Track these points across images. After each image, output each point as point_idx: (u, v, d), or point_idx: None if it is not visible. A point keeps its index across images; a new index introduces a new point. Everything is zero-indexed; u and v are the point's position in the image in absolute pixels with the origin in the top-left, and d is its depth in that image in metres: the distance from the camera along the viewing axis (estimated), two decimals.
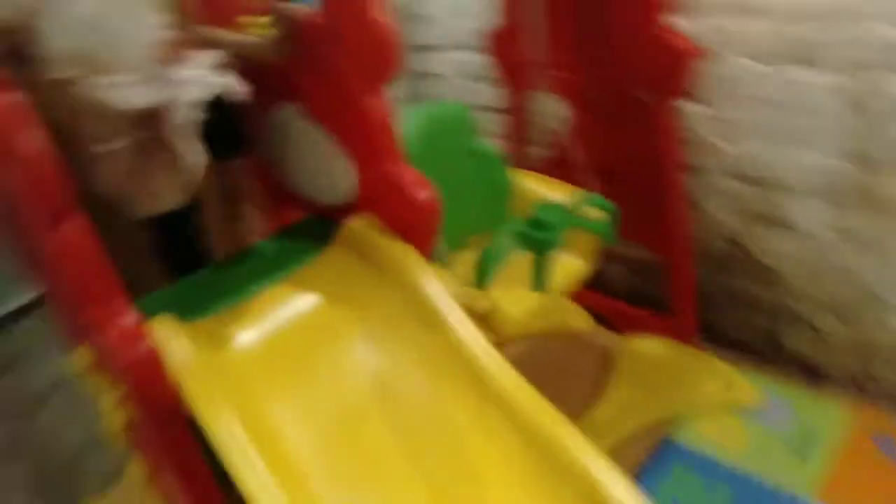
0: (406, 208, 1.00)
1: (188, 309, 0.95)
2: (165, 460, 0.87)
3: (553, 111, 1.77)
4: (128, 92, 0.88)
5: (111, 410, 0.83)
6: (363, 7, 0.87)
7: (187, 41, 0.96)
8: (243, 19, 1.08)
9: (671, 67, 1.43)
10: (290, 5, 1.01)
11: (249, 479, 0.74)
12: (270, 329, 0.95)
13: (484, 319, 1.39)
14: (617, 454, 1.41)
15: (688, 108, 1.61)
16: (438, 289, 1.00)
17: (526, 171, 1.73)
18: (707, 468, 1.49)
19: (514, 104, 1.80)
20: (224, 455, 0.76)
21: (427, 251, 1.04)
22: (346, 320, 0.99)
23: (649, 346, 1.80)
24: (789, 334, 1.70)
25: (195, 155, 0.94)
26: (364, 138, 1.00)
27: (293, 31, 0.99)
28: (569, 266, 1.54)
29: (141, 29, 0.90)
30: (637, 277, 1.97)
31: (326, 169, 1.12)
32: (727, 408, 1.62)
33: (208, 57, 0.96)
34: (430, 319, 0.98)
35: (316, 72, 1.01)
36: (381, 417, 0.92)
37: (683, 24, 1.50)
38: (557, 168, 1.71)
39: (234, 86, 0.98)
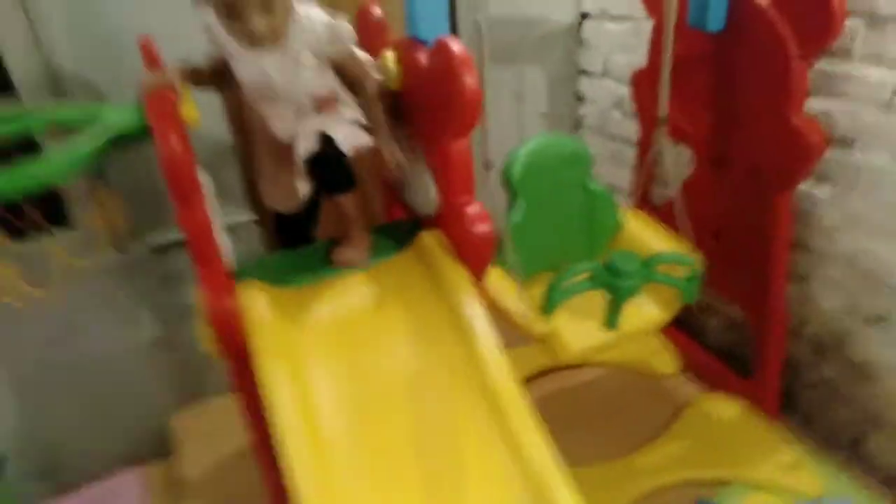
0: (465, 236, 1.17)
1: (279, 277, 1.21)
2: (237, 387, 1.15)
3: (680, 159, 1.80)
4: (286, 125, 1.20)
5: (207, 339, 1.12)
6: (459, 72, 1.04)
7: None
8: (384, 51, 1.29)
9: (797, 157, 1.42)
10: (412, 45, 1.21)
11: (284, 424, 0.98)
12: (334, 310, 1.19)
13: (542, 340, 1.52)
14: (647, 500, 1.51)
15: (812, 188, 1.56)
16: (476, 309, 1.16)
17: (639, 212, 1.79)
18: None
19: (644, 143, 1.85)
20: (269, 401, 1.00)
21: (479, 273, 1.21)
22: (396, 318, 1.20)
23: (722, 406, 1.80)
24: (874, 437, 1.61)
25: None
26: (445, 172, 1.18)
27: (407, 70, 1.19)
28: (644, 312, 1.59)
29: (308, 83, 1.19)
30: (733, 335, 1.95)
31: (422, 187, 1.31)
32: (782, 490, 1.59)
33: (353, 114, 1.24)
34: (463, 333, 1.15)
35: (419, 108, 1.20)
36: (402, 406, 1.12)
37: (821, 107, 1.47)
38: (671, 214, 1.76)
39: (367, 142, 1.24)
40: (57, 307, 1.72)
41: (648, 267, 1.46)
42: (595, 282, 1.46)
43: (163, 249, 1.79)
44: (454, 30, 2.03)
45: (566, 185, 1.67)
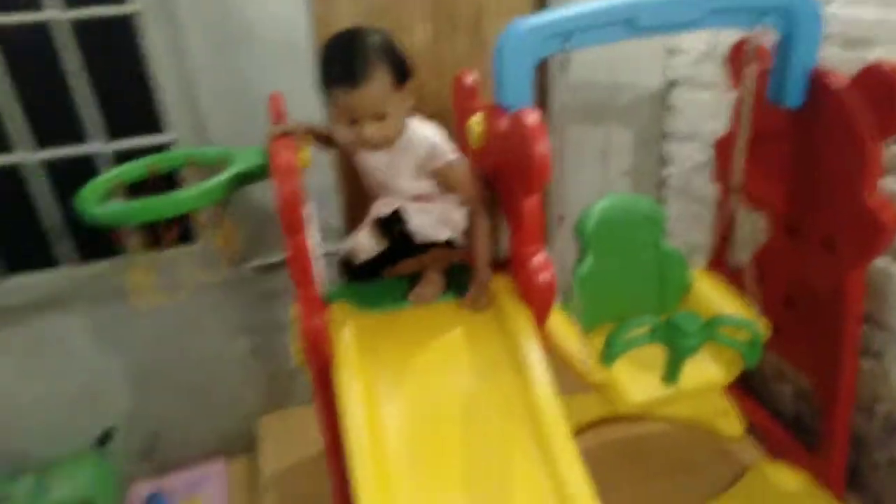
0: (529, 282, 1.29)
1: (364, 303, 1.38)
2: (318, 397, 1.31)
3: (755, 226, 1.84)
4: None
5: (298, 352, 1.29)
6: (531, 140, 1.18)
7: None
8: (474, 117, 1.45)
9: (870, 235, 1.44)
10: (496, 111, 1.36)
11: (353, 434, 1.13)
12: (407, 338, 1.33)
13: (600, 389, 1.60)
14: None
15: (889, 265, 1.57)
16: (535, 351, 1.28)
17: (710, 274, 1.84)
18: None
19: (722, 208, 1.91)
20: (343, 412, 1.16)
21: (541, 317, 1.32)
22: (462, 350, 1.33)
23: (784, 475, 1.79)
24: None
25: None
26: (517, 224, 1.31)
27: (489, 132, 1.35)
28: (705, 371, 1.63)
29: (406, 186, 1.37)
30: (803, 404, 1.93)
31: (500, 236, 1.45)
32: None
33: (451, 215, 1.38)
34: (520, 372, 1.27)
35: (498, 167, 1.35)
36: (458, 431, 1.24)
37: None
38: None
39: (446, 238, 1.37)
40: (172, 310, 1.98)
41: (710, 328, 1.52)
42: (656, 337, 1.53)
43: (265, 270, 2.02)
44: (544, 92, 2.18)
45: (638, 243, 1.76)
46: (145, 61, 1.77)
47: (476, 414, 1.25)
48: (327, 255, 1.65)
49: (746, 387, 2.13)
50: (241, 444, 2.23)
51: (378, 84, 1.22)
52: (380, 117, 1.25)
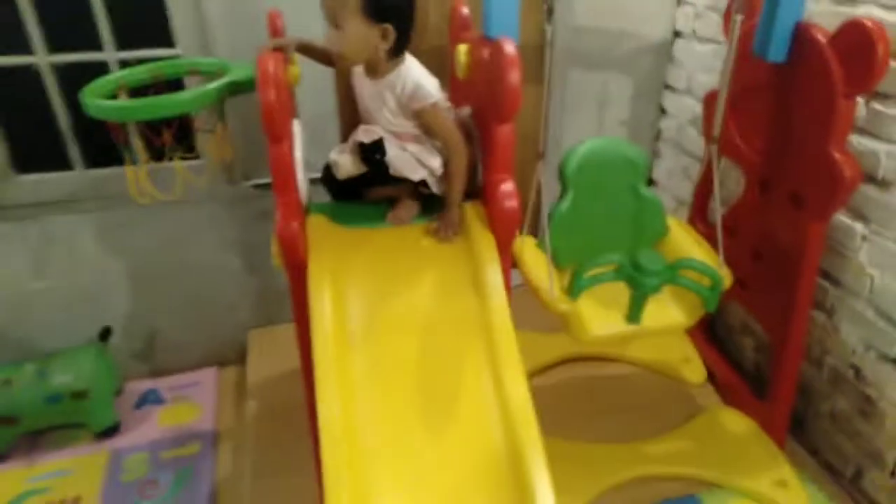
0: (496, 208, 1.37)
1: (342, 219, 1.47)
2: (293, 297, 1.41)
3: (739, 182, 1.89)
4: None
5: (276, 255, 1.39)
6: (506, 69, 1.24)
7: None
8: (460, 46, 1.51)
9: (830, 187, 1.50)
10: (482, 42, 1.41)
11: (317, 322, 1.24)
12: (377, 250, 1.42)
13: (563, 320, 1.69)
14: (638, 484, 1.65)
15: (849, 223, 1.62)
16: (494, 272, 1.36)
17: (685, 224, 1.90)
18: None
19: (706, 160, 1.95)
20: (311, 303, 1.26)
21: (505, 242, 1.40)
22: (427, 266, 1.42)
23: (733, 419, 1.89)
24: (871, 475, 1.65)
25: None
26: (489, 152, 1.38)
27: (473, 62, 1.40)
28: (667, 313, 1.70)
29: (387, 121, 1.43)
30: (762, 357, 2.01)
31: (474, 161, 1.52)
32: (766, 503, 1.68)
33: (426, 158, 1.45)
34: (479, 291, 1.36)
35: (479, 95, 1.41)
36: (415, 335, 1.34)
37: (871, 146, 1.53)
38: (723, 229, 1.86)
39: (418, 177, 1.44)
40: (173, 220, 2.09)
41: (672, 270, 1.59)
42: (620, 274, 1.60)
43: (264, 188, 2.11)
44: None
45: (617, 187, 1.81)
46: None
47: (434, 327, 1.35)
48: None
49: (712, 337, 2.22)
50: (233, 355, 2.37)
51: None
52: (337, 26, 1.32)
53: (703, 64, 2.11)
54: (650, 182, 2.53)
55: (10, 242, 2.03)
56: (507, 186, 1.36)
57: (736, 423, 1.88)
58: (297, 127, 1.48)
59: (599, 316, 1.67)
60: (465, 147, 1.44)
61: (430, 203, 1.52)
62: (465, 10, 1.63)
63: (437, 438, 1.24)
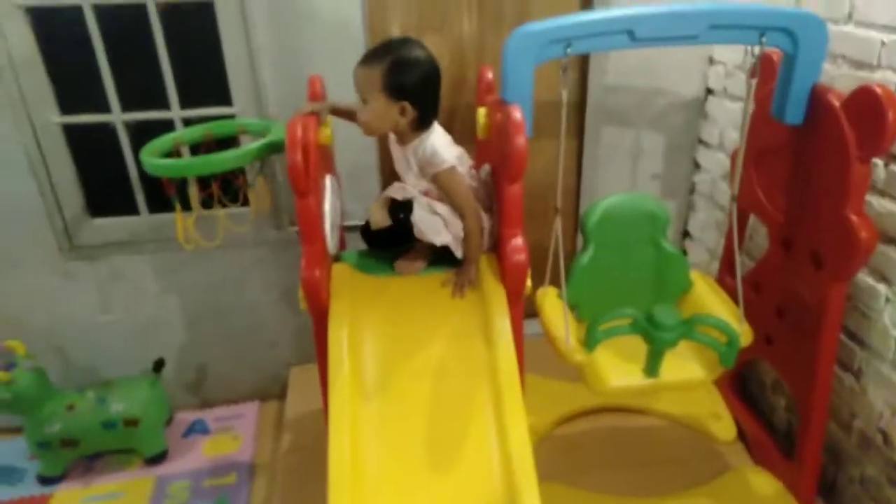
0: (506, 261, 1.44)
1: (367, 267, 1.57)
2: (316, 338, 1.52)
3: (765, 235, 1.90)
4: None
5: (302, 299, 1.50)
6: (512, 133, 1.34)
7: None
8: (480, 108, 1.62)
9: (848, 250, 1.50)
10: (499, 105, 1.51)
11: (334, 363, 1.34)
12: (398, 300, 1.52)
13: (579, 371, 1.72)
14: None
15: (873, 284, 1.61)
16: (503, 323, 1.43)
17: (708, 279, 1.91)
18: None
19: (731, 215, 1.96)
20: (329, 351, 1.37)
21: (515, 293, 1.47)
22: (440, 314, 1.51)
23: (760, 480, 1.85)
24: None
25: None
26: (501, 209, 1.47)
27: (490, 124, 1.51)
28: (686, 368, 1.71)
29: (413, 181, 1.58)
30: (793, 416, 1.97)
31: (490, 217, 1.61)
32: None
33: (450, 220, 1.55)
34: (488, 339, 1.43)
35: (495, 156, 1.51)
36: (426, 380, 1.42)
37: (889, 206, 1.53)
38: (748, 285, 1.87)
39: (441, 242, 1.54)
40: (223, 262, 2.26)
41: (688, 325, 1.61)
42: (635, 328, 1.63)
43: None
44: (584, 90, 2.29)
45: (639, 241, 1.85)
46: (218, 43, 2.03)
47: (445, 372, 1.42)
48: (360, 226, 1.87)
49: (744, 394, 2.18)
50: (275, 390, 2.50)
51: (368, 74, 1.43)
52: (364, 101, 1.46)
53: (734, 121, 2.14)
54: (685, 234, 2.54)
55: (83, 279, 2.25)
56: (517, 241, 1.44)
57: (763, 483, 1.84)
58: (328, 182, 1.61)
59: (617, 368, 1.69)
60: (478, 210, 1.53)
61: (443, 254, 1.61)
62: (490, 75, 1.74)
63: (439, 479, 1.31)
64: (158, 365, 2.26)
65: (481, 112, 1.59)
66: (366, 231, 1.65)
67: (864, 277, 1.64)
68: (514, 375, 1.37)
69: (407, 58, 1.44)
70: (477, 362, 1.42)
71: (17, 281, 2.21)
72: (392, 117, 1.47)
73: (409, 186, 1.59)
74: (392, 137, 1.59)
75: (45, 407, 2.07)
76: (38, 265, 2.20)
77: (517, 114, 1.35)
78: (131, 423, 2.12)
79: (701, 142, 2.36)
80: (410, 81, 1.44)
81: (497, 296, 1.47)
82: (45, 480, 2.15)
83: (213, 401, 2.50)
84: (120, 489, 2.12)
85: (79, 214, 2.19)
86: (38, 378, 2.07)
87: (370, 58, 1.44)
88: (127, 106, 2.08)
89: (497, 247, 1.54)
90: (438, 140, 1.52)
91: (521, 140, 1.33)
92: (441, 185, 1.51)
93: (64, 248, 2.19)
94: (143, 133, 1.98)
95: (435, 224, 1.53)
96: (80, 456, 2.17)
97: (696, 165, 2.42)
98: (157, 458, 2.21)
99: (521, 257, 1.43)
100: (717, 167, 2.28)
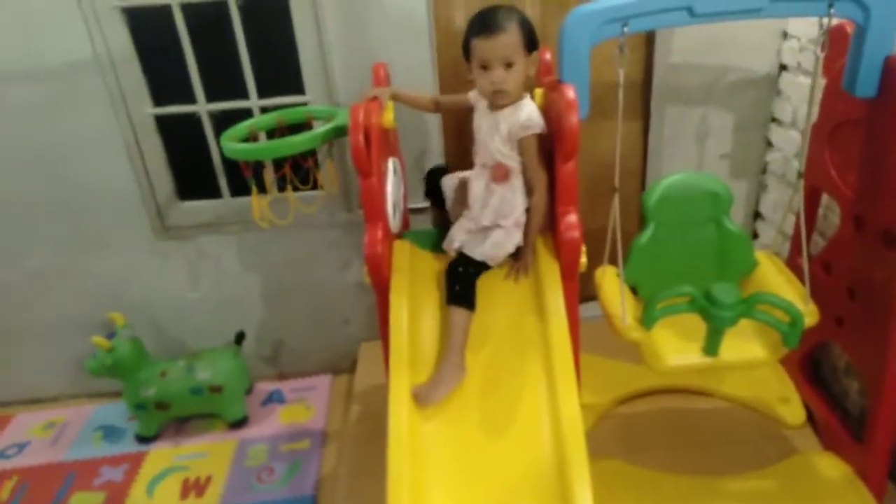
0: (560, 238, 1.48)
1: (428, 245, 1.65)
2: (379, 309, 1.61)
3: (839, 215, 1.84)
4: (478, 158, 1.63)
5: (365, 274, 1.60)
6: (566, 112, 1.37)
7: None
8: (537, 89, 1.65)
9: None
10: (556, 86, 1.55)
11: (395, 334, 1.43)
12: None
13: (638, 349, 1.73)
14: None
15: None
16: (557, 301, 1.48)
17: (774, 259, 1.87)
18: None
19: (806, 194, 1.91)
20: (390, 319, 1.45)
21: (569, 269, 1.51)
22: (498, 291, 1.57)
23: (827, 463, 1.81)
24: None
25: None
26: (556, 187, 1.50)
27: (547, 105, 1.54)
28: (747, 348, 1.69)
29: (497, 148, 1.58)
30: (866, 401, 1.90)
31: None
32: None
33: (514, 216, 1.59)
34: (542, 314, 1.48)
35: (551, 136, 1.54)
36: (483, 352, 1.49)
37: None
38: (818, 265, 1.82)
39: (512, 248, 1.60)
40: (297, 243, 2.40)
41: (748, 303, 1.59)
42: (693, 306, 1.63)
43: None
44: (649, 69, 2.27)
45: (701, 220, 1.83)
46: (292, 36, 2.15)
47: (499, 344, 1.49)
48: (425, 208, 1.95)
49: (816, 378, 2.12)
50: (347, 365, 2.64)
51: (510, 36, 1.45)
52: (508, 65, 1.47)
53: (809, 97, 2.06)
54: (756, 215, 2.48)
55: (174, 258, 2.45)
56: (571, 218, 1.48)
57: (830, 467, 1.80)
58: (391, 164, 1.70)
59: (676, 347, 1.70)
60: (546, 184, 1.56)
61: None
62: (548, 56, 1.77)
63: (492, 444, 1.37)
64: (240, 338, 2.42)
65: (538, 93, 1.63)
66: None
67: None
68: (567, 349, 1.42)
69: (522, 13, 1.51)
70: (530, 336, 1.47)
71: (117, 259, 2.43)
72: (527, 72, 1.52)
73: (479, 167, 1.62)
74: (482, 105, 1.62)
75: (142, 373, 2.28)
76: (134, 245, 2.41)
77: (571, 93, 1.38)
78: (216, 390, 2.30)
79: (774, 120, 2.29)
80: (534, 32, 1.52)
81: (551, 272, 1.51)
82: (142, 439, 2.37)
83: (289, 373, 2.67)
84: (206, 450, 2.30)
85: (169, 198, 2.37)
86: (136, 346, 2.28)
87: (503, 22, 1.45)
88: (210, 97, 2.24)
89: (552, 225, 1.58)
90: (533, 106, 1.55)
91: (573, 118, 1.37)
92: (525, 149, 1.54)
93: (157, 229, 2.39)
94: (224, 122, 2.11)
95: (495, 251, 1.57)
96: (171, 418, 2.37)
97: (769, 144, 2.35)
98: (239, 424, 2.39)
99: (575, 234, 1.47)
100: (790, 145, 2.21)
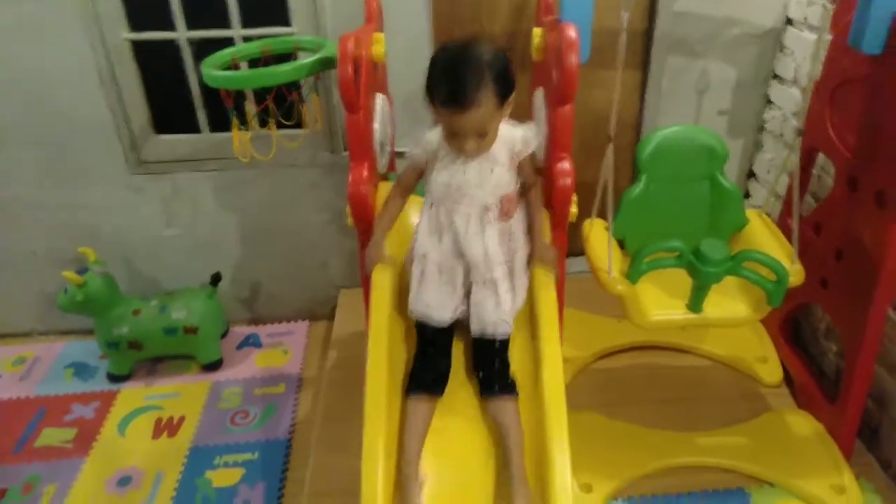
0: (551, 185, 1.43)
1: (417, 189, 1.59)
2: (360, 251, 1.56)
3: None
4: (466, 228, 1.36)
5: (348, 214, 1.53)
6: (565, 51, 1.30)
7: None
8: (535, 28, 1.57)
9: None
10: (555, 26, 1.47)
11: (377, 277, 1.38)
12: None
13: (621, 302, 1.71)
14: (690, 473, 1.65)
15: None
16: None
17: (765, 217, 1.85)
18: None
19: (802, 153, 1.87)
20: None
21: (559, 218, 1.46)
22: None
23: (800, 421, 1.84)
24: None
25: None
26: (551, 132, 1.45)
27: (545, 45, 1.46)
28: (731, 306, 1.67)
29: (499, 179, 1.36)
30: (843, 362, 1.91)
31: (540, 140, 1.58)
32: None
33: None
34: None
35: (545, 76, 1.47)
36: None
37: None
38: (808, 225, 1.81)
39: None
40: (277, 183, 2.32)
41: (735, 260, 1.56)
42: (680, 262, 1.60)
43: None
44: (652, 17, 2.19)
45: (694, 175, 1.80)
46: None
47: None
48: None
49: (796, 340, 2.13)
50: (325, 311, 2.60)
51: (484, 109, 1.22)
52: (482, 135, 1.27)
53: (811, 53, 2.01)
54: (749, 174, 2.45)
55: (149, 193, 2.36)
56: (564, 165, 1.42)
57: (802, 424, 1.82)
58: (379, 101, 1.62)
59: (660, 302, 1.68)
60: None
61: None
62: None
63: (472, 390, 1.35)
64: (215, 279, 2.37)
65: (536, 32, 1.55)
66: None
67: None
68: (552, 299, 1.38)
69: (493, 53, 1.24)
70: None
71: (89, 192, 2.33)
72: (499, 123, 1.31)
73: (484, 195, 1.36)
74: (447, 162, 1.36)
75: (114, 310, 2.22)
76: (108, 178, 2.31)
77: (571, 32, 1.31)
78: (190, 330, 2.25)
79: (775, 76, 2.24)
80: (510, 75, 1.27)
81: (541, 218, 1.46)
82: (114, 378, 2.32)
83: (266, 318, 2.62)
84: (179, 390, 2.27)
85: (145, 130, 2.27)
86: (108, 283, 2.21)
87: (474, 95, 1.20)
88: (191, 24, 2.12)
89: (544, 171, 1.53)
90: (509, 128, 1.36)
91: (572, 59, 1.30)
92: (526, 163, 1.40)
93: (131, 162, 2.29)
94: (205, 52, 1.99)
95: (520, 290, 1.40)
96: (144, 358, 2.32)
97: (768, 102, 2.30)
98: (213, 366, 2.35)
99: (568, 181, 1.42)
100: (790, 104, 2.17)
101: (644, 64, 2.26)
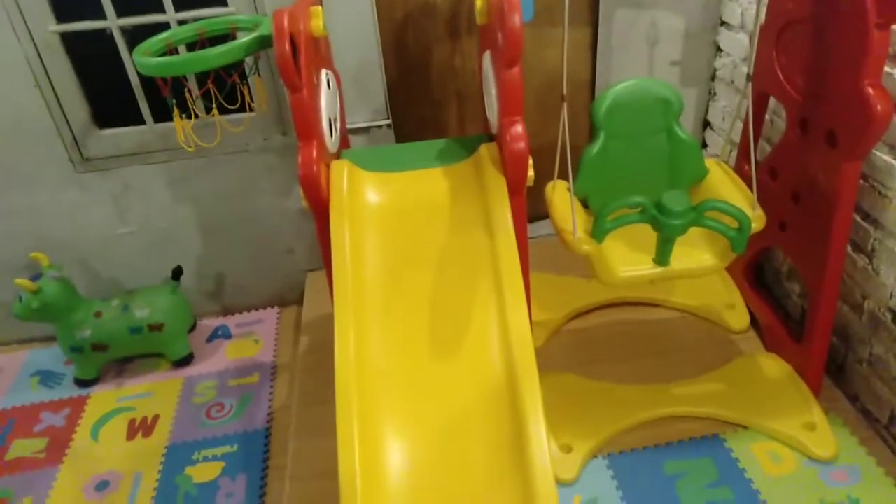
0: (506, 150, 1.41)
1: (368, 164, 1.55)
2: (320, 237, 1.53)
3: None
4: None
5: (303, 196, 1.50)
6: (507, 12, 1.27)
7: None
8: None
9: (863, 123, 1.42)
10: None
11: (337, 256, 1.35)
12: (396, 194, 1.51)
13: (588, 261, 1.71)
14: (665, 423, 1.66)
15: (892, 162, 1.54)
16: (505, 216, 1.42)
17: (723, 166, 1.85)
18: (729, 474, 1.62)
19: (754, 98, 1.87)
20: (332, 239, 1.37)
21: (516, 182, 1.44)
22: (444, 208, 1.50)
23: (769, 364, 1.87)
24: None
25: None
26: (500, 95, 1.42)
27: (489, 8, 1.42)
28: (697, 256, 1.68)
29: None
30: (806, 302, 1.95)
31: (492, 105, 1.55)
32: (795, 446, 1.66)
33: None
34: (489, 229, 1.42)
35: (491, 39, 1.44)
36: (428, 272, 1.43)
37: None
38: (764, 171, 1.81)
39: None
40: (231, 171, 2.26)
41: (697, 211, 1.57)
42: (644, 216, 1.60)
43: None
44: None
45: (651, 129, 1.78)
46: None
47: (445, 261, 1.43)
48: (368, 127, 1.81)
49: (760, 283, 2.16)
50: (293, 296, 2.56)
51: None
52: None
53: None
54: (705, 124, 2.45)
55: (97, 191, 2.28)
56: (517, 129, 1.40)
57: (771, 366, 1.86)
58: (324, 76, 1.57)
59: (627, 258, 1.68)
60: None
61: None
62: None
63: (442, 364, 1.34)
64: (177, 273, 2.31)
65: None
66: None
67: (882, 156, 1.57)
68: (515, 265, 1.37)
69: None
70: (478, 252, 1.42)
71: (34, 194, 2.24)
72: None
73: None
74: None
75: (74, 314, 2.16)
76: (52, 178, 2.22)
77: None
78: (156, 328, 2.20)
79: (723, 23, 2.23)
80: None
81: (498, 187, 1.45)
82: (82, 383, 2.26)
83: (234, 308, 2.58)
84: (150, 389, 2.23)
85: (86, 126, 2.18)
86: (64, 287, 2.14)
87: None
88: (122, 11, 2.02)
89: (497, 136, 1.50)
90: None
91: (515, 19, 1.27)
92: None
93: (75, 160, 2.20)
94: (140, 40, 1.92)
95: None
96: (111, 360, 2.27)
97: (718, 49, 2.29)
98: (184, 362, 2.31)
99: (521, 145, 1.40)
100: (738, 49, 2.16)
101: (593, 20, 2.23)
